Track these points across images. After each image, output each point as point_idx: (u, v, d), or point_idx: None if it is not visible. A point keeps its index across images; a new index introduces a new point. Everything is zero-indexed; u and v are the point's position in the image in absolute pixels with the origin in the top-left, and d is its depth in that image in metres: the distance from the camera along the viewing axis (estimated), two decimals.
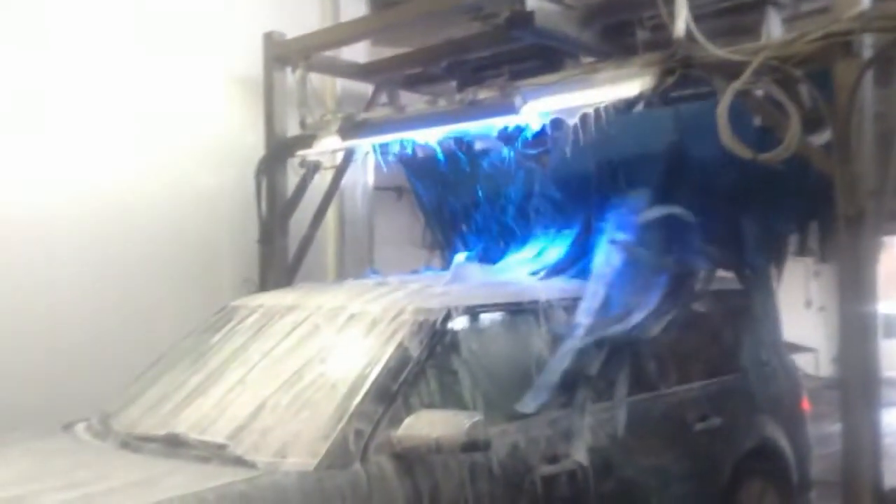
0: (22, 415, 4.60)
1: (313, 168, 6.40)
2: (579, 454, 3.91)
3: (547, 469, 3.76)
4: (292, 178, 6.51)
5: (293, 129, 6.47)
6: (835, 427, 4.12)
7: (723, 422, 4.66)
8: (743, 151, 4.00)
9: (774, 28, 4.60)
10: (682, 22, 4.18)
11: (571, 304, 4.34)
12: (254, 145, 6.57)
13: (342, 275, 7.03)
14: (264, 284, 6.35)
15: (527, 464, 3.70)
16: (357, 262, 7.18)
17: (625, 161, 5.13)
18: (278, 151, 6.48)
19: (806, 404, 5.36)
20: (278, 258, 6.53)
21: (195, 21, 6.48)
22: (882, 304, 4.25)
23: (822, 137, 4.05)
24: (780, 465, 5.10)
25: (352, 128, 5.74)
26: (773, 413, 5.05)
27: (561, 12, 4.95)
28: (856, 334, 3.97)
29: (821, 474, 5.41)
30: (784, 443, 5.10)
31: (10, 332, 5.45)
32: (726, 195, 4.80)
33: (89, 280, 5.90)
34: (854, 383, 3.99)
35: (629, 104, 4.65)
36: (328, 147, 6.07)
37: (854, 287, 3.96)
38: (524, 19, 4.97)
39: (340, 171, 6.58)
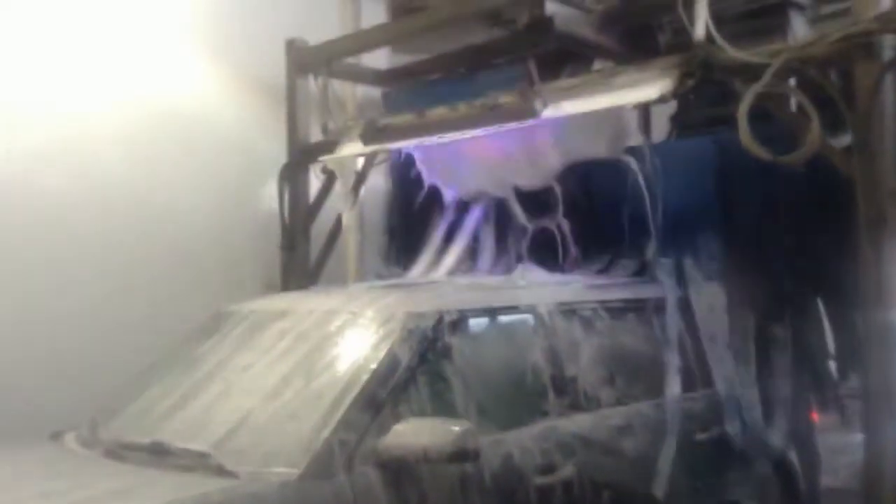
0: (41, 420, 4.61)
1: (335, 173, 6.42)
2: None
3: (542, 480, 3.63)
4: (314, 183, 6.54)
5: (315, 135, 6.51)
6: (857, 436, 4.07)
7: (722, 433, 4.51)
8: (761, 153, 3.97)
9: (799, 29, 4.57)
10: (701, 25, 4.17)
11: (570, 310, 4.19)
12: (276, 151, 6.60)
13: (363, 280, 7.03)
14: (287, 290, 6.37)
15: (521, 474, 3.57)
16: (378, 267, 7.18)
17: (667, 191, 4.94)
18: (301, 157, 6.51)
19: (815, 414, 5.16)
20: (300, 263, 6.55)
21: (217, 28, 6.55)
22: None
23: (843, 140, 4.02)
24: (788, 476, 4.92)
25: (374, 133, 5.76)
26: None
27: (580, 17, 4.95)
28: (878, 341, 3.91)
29: (843, 483, 5.33)
30: (792, 455, 4.92)
31: (31, 339, 5.50)
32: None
33: (113, 286, 5.96)
34: (876, 391, 3.93)
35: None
36: (350, 152, 6.10)
37: (876, 292, 3.90)
38: (544, 24, 4.99)
39: (362, 176, 6.60)
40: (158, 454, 3.32)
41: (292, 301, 4.30)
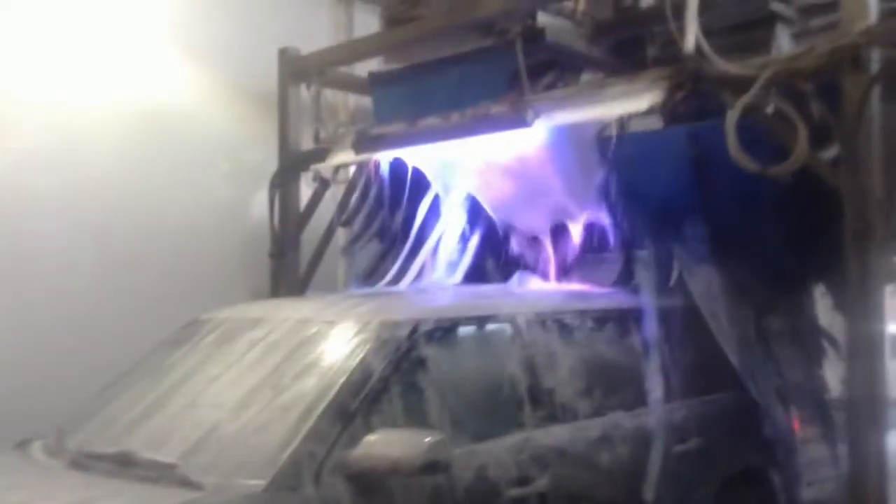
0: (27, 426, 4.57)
1: (326, 182, 6.43)
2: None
3: (516, 492, 3.57)
4: (305, 191, 6.55)
5: (306, 144, 6.52)
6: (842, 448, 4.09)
7: (703, 444, 4.45)
8: (750, 165, 4.00)
9: (784, 43, 4.61)
10: (691, 37, 4.21)
11: (549, 318, 4.13)
12: (266, 159, 6.62)
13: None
14: (276, 297, 6.37)
15: (495, 487, 3.51)
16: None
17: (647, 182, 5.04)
18: (292, 165, 6.53)
19: (795, 426, 5.09)
20: (290, 271, 6.55)
21: (211, 35, 6.55)
22: (893, 325, 4.21)
23: (830, 152, 4.05)
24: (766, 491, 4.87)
25: (366, 142, 5.77)
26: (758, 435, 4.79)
27: (572, 28, 4.98)
28: (862, 354, 3.93)
29: (827, 497, 5.34)
30: (771, 468, 4.88)
31: (19, 343, 5.46)
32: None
33: (102, 291, 5.93)
34: (860, 404, 3.94)
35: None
36: (342, 161, 6.12)
37: (861, 305, 3.93)
38: (536, 35, 5.02)
39: (353, 184, 6.61)
40: (124, 465, 3.25)
41: (267, 309, 4.23)
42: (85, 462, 3.38)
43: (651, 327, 4.51)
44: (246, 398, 3.42)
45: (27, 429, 3.98)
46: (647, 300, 4.64)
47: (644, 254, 4.84)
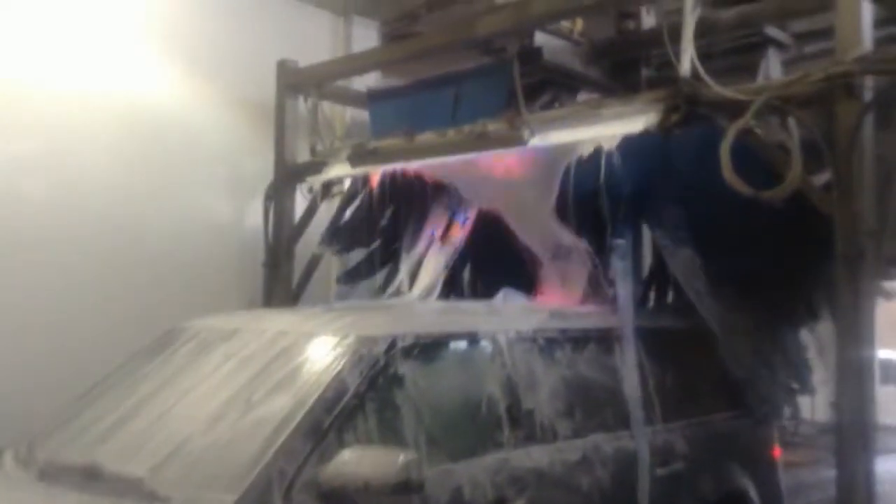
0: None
1: (321, 194, 6.45)
2: None
3: None
4: (300, 203, 6.57)
5: (302, 156, 6.55)
6: (830, 473, 4.07)
7: (686, 467, 4.38)
8: (744, 189, 4.02)
9: (773, 68, 4.65)
10: (687, 60, 4.24)
11: (530, 337, 4.05)
12: (262, 170, 6.64)
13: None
14: (268, 307, 6.38)
15: None
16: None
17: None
18: (288, 177, 6.55)
19: (777, 451, 5.06)
20: (283, 282, 6.56)
21: (206, 47, 6.58)
22: (882, 350, 4.21)
23: (823, 178, 4.08)
24: None
25: (362, 155, 5.80)
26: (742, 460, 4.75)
27: (569, 48, 5.01)
28: (852, 379, 3.93)
29: None
30: (753, 492, 4.76)
31: (7, 349, 5.47)
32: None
33: (95, 301, 5.94)
34: (849, 429, 3.94)
35: None
36: (338, 174, 6.14)
37: (851, 330, 3.93)
38: (532, 54, 5.05)
39: (348, 197, 6.63)
40: (92, 477, 3.18)
41: (245, 320, 4.14)
42: (53, 474, 3.31)
43: (629, 329, 4.51)
44: (218, 411, 3.33)
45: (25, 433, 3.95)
46: (624, 292, 4.67)
47: (621, 243, 4.85)
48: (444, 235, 5.89)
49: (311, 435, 3.12)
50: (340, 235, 6.41)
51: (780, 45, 4.73)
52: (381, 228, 6.30)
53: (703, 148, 4.28)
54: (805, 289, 4.95)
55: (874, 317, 3.97)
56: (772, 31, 4.78)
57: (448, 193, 5.92)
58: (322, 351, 3.50)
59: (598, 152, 4.68)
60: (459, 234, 5.86)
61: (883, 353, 4.77)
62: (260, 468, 2.99)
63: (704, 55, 4.27)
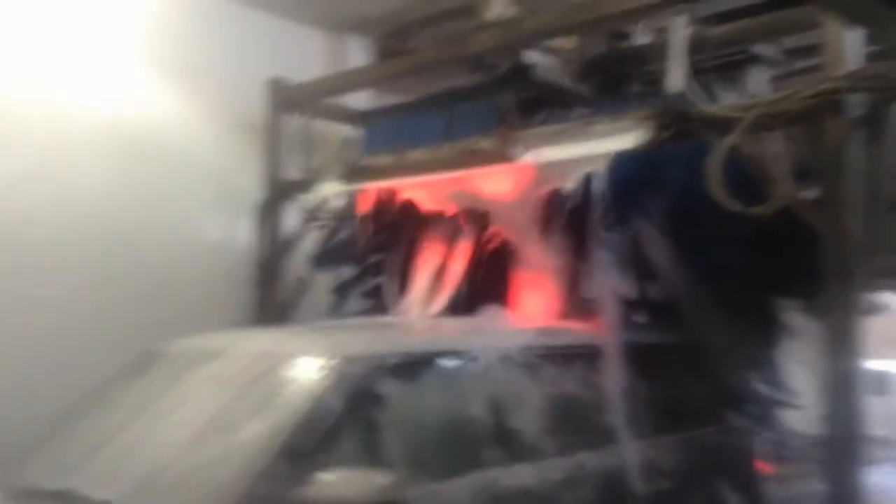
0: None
1: (313, 212, 6.46)
2: None
3: None
4: (291, 221, 6.58)
5: (293, 173, 6.56)
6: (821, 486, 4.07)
7: (673, 485, 4.32)
8: (732, 205, 4.05)
9: (758, 85, 4.69)
10: (677, 77, 4.29)
11: (517, 355, 4.00)
12: (253, 187, 6.64)
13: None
14: (258, 325, 6.37)
15: None
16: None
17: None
18: (279, 194, 6.56)
19: (761, 464, 5.02)
20: (272, 300, 6.56)
21: (198, 65, 6.57)
22: (874, 362, 4.23)
23: (812, 193, 4.12)
24: None
25: (354, 173, 5.82)
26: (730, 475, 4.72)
27: (559, 65, 5.06)
28: (841, 391, 3.95)
29: None
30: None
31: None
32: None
33: (83, 321, 5.88)
34: (838, 441, 3.97)
35: None
36: (330, 191, 6.15)
37: (840, 343, 3.96)
38: (524, 71, 5.10)
39: (341, 214, 6.64)
40: (64, 502, 3.13)
41: (227, 339, 4.09)
42: (26, 498, 3.26)
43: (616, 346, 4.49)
44: (197, 434, 3.29)
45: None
46: (612, 285, 4.70)
47: (612, 236, 4.87)
48: (437, 258, 5.90)
49: (292, 458, 3.06)
50: (328, 258, 6.41)
51: (769, 62, 4.78)
52: (369, 251, 6.29)
53: (694, 156, 4.33)
54: (792, 298, 4.97)
55: (862, 330, 3.99)
56: (760, 48, 4.83)
57: (442, 219, 5.92)
58: (305, 371, 3.46)
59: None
60: (452, 257, 5.87)
61: (876, 365, 4.78)
62: (238, 493, 2.94)
63: (695, 71, 4.31)
